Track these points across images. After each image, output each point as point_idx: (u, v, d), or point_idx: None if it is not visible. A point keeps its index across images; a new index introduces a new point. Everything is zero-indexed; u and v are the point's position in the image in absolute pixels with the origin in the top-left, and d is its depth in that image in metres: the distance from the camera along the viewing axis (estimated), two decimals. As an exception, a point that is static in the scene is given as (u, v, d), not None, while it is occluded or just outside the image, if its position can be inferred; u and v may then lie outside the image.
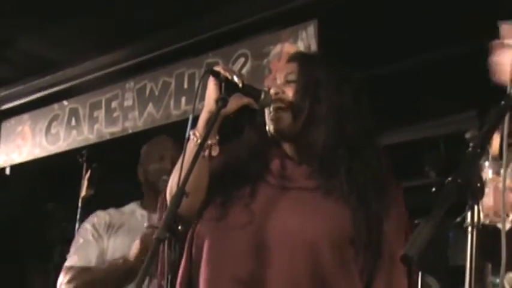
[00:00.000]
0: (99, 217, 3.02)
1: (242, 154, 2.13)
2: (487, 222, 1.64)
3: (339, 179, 2.00)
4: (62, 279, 2.91)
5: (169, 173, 2.81)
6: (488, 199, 1.84)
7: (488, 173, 1.97)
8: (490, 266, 1.73)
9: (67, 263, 2.95)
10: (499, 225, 1.58)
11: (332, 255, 1.94)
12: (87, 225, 3.02)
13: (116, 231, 2.93)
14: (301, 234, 1.94)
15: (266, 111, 2.09)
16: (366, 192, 1.99)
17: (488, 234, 1.62)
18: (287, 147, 2.11)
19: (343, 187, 1.99)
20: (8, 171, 5.22)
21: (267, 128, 2.09)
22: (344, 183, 2.00)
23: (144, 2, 4.02)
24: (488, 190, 1.71)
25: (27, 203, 5.53)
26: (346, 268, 1.95)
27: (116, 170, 3.28)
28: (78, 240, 2.99)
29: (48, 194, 5.57)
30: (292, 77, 2.11)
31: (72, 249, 2.99)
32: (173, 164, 2.83)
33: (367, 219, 1.97)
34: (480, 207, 1.44)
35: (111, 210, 3.05)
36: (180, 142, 2.00)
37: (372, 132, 2.10)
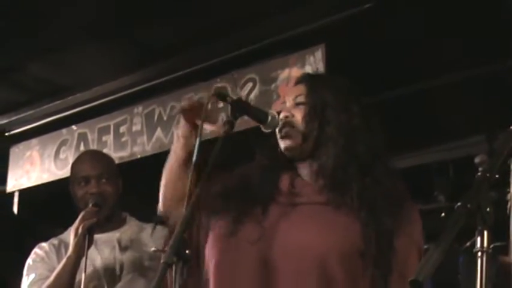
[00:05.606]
0: (45, 245, 3.04)
1: (254, 177, 2.13)
2: None
3: (349, 195, 2.00)
4: None
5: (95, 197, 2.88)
6: None
7: None
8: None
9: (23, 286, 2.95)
10: None
11: (341, 268, 1.93)
12: (35, 250, 3.03)
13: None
14: (309, 247, 1.95)
15: (277, 131, 2.10)
16: (376, 207, 1.99)
17: (506, 266, 1.61)
18: (298, 167, 2.12)
19: (354, 202, 1.99)
20: (16, 196, 5.22)
21: (279, 147, 2.10)
22: (355, 198, 2.00)
23: (153, 27, 4.04)
24: None
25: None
26: (355, 282, 1.94)
27: (123, 195, 3.28)
28: (29, 263, 3.00)
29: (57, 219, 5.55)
30: (301, 99, 2.12)
31: (25, 272, 2.99)
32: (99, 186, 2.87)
33: (377, 234, 1.96)
34: None
35: (53, 239, 3.06)
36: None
37: (383, 151, 2.09)
